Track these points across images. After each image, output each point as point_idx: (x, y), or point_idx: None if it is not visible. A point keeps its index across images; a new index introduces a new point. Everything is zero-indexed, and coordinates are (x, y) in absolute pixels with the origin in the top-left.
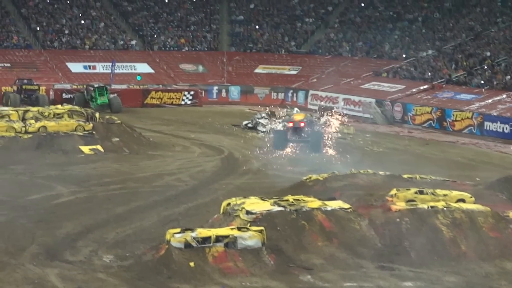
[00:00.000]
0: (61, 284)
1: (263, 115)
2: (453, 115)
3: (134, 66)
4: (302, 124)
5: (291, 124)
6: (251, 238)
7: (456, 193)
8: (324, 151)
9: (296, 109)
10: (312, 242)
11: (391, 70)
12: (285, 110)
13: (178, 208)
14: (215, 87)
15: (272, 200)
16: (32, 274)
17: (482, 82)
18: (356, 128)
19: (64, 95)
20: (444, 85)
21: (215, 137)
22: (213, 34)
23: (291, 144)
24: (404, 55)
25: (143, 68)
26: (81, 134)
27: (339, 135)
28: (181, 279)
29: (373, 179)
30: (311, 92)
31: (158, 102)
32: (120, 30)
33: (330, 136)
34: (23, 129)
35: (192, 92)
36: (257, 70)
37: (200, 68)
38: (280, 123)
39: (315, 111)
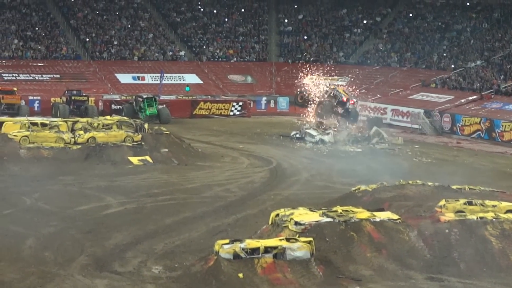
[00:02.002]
0: None
1: (312, 125)
2: (502, 125)
3: (182, 77)
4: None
5: (345, 98)
6: (300, 249)
7: (505, 204)
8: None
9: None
10: (361, 253)
11: (440, 80)
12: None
13: (226, 219)
14: (264, 98)
15: (320, 211)
16: (81, 285)
17: None
18: (405, 139)
19: (113, 106)
20: (493, 96)
21: (263, 148)
22: (262, 45)
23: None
24: (452, 66)
25: (192, 79)
26: (130, 145)
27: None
28: None
29: (422, 190)
30: (359, 102)
31: (206, 113)
32: (169, 41)
33: None
34: (72, 140)
35: (240, 103)
36: (305, 81)
37: (249, 78)
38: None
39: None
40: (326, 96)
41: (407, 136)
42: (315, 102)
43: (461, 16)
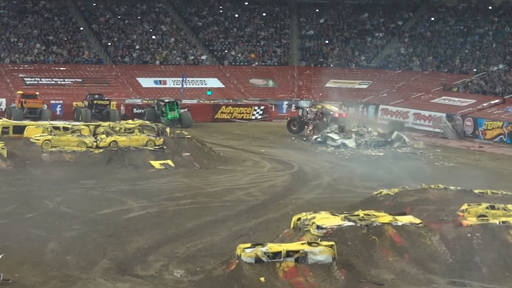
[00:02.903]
0: None
1: (333, 129)
2: None
3: (204, 81)
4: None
5: (337, 114)
6: (321, 253)
7: None
8: None
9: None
10: (382, 257)
11: (462, 84)
12: (356, 124)
13: (248, 223)
14: (285, 102)
15: (342, 215)
16: None
17: None
18: (426, 143)
19: (135, 110)
20: None
21: (285, 152)
22: (283, 49)
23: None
24: (474, 70)
25: (214, 83)
26: (151, 149)
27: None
28: None
29: (444, 194)
30: (381, 106)
31: (228, 117)
32: (191, 45)
33: None
34: (94, 144)
35: (262, 107)
36: (328, 85)
37: (270, 82)
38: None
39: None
40: (316, 117)
41: (429, 140)
42: (309, 125)
43: (483, 20)
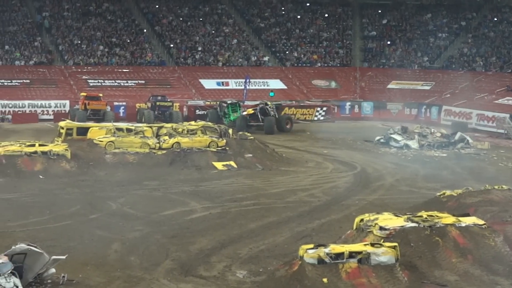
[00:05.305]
0: None
1: (396, 130)
2: None
3: (267, 82)
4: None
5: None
6: (384, 254)
7: None
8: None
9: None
10: (446, 259)
11: None
12: (418, 125)
13: (311, 223)
14: (348, 103)
15: (405, 216)
16: None
17: None
18: (490, 144)
19: (197, 112)
20: None
21: (347, 153)
22: (346, 50)
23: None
24: None
25: (276, 84)
26: (214, 150)
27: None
28: None
29: (508, 195)
30: (444, 107)
31: None
32: (253, 46)
33: None
34: (157, 145)
35: (324, 108)
36: (390, 86)
37: (333, 84)
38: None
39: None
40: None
41: (492, 141)
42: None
43: None
